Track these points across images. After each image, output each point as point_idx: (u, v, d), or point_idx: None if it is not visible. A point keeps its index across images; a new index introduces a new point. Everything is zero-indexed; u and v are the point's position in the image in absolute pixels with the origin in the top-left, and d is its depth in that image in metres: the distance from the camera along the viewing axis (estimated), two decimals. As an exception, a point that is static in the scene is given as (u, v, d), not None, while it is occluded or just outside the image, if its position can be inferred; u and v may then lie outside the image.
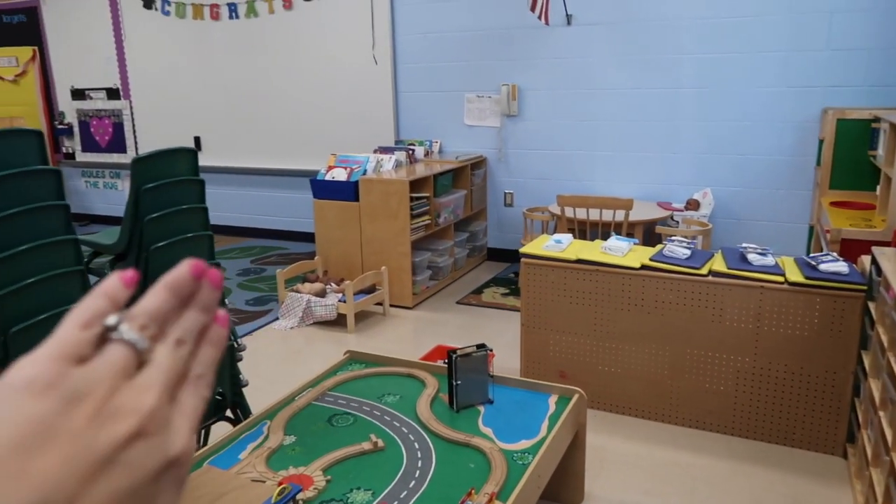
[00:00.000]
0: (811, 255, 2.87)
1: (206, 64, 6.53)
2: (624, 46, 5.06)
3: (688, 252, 2.99)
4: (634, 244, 3.21)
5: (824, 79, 4.60)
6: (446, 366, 2.53)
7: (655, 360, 3.07)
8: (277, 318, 4.47)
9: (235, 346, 2.52)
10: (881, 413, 2.16)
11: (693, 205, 4.90)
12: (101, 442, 0.30)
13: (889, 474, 1.97)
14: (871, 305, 2.55)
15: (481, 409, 2.35)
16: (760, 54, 4.71)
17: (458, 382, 2.31)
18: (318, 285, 4.48)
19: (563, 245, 3.22)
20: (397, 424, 2.24)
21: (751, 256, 2.89)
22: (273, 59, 6.25)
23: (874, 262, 2.53)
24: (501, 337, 4.15)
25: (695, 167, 5.06)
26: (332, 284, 4.58)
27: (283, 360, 3.89)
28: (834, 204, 4.01)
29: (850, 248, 3.35)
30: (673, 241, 3.09)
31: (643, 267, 3.00)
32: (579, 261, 3.12)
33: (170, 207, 2.15)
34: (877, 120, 4.02)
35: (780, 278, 2.77)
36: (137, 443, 0.31)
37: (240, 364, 2.59)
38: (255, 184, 6.69)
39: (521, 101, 5.47)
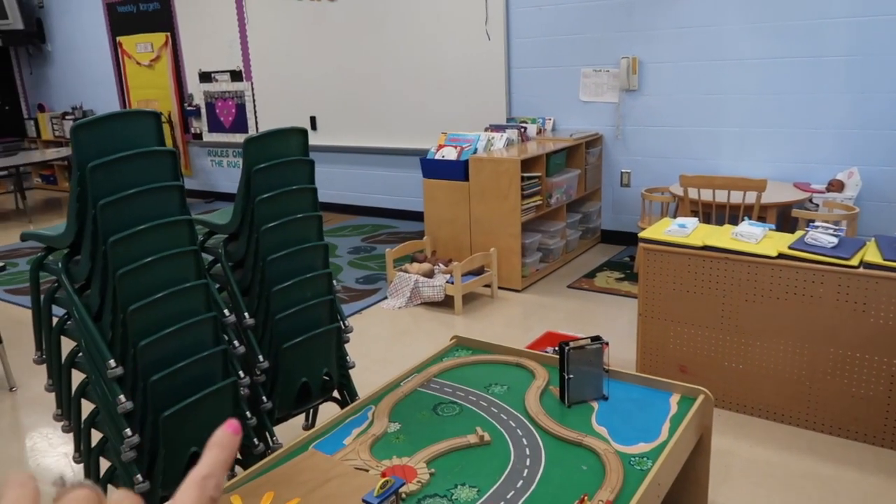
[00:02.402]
0: None
1: (321, 44, 6.63)
2: (758, 12, 4.62)
3: (835, 240, 2.66)
4: (770, 230, 2.91)
5: None
6: (557, 356, 2.39)
7: (792, 359, 2.78)
8: (386, 298, 4.48)
9: (342, 327, 2.50)
10: None
11: (836, 186, 4.42)
12: None
13: None
14: None
15: (595, 405, 2.19)
16: (925, 15, 4.14)
17: (571, 376, 2.16)
18: (426, 265, 4.44)
19: (687, 230, 2.96)
20: (504, 417, 2.13)
21: (912, 246, 2.53)
22: (385, 37, 6.24)
23: None
24: (615, 325, 3.94)
25: (839, 144, 4.56)
26: (441, 265, 4.53)
27: (391, 340, 3.88)
28: None
29: None
30: (817, 227, 2.77)
31: (780, 256, 2.70)
32: (706, 247, 2.87)
33: (280, 188, 2.13)
34: None
35: (950, 272, 2.41)
36: None
37: (347, 346, 2.57)
38: (367, 162, 6.76)
39: (642, 74, 5.14)
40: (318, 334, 2.36)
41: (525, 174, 4.44)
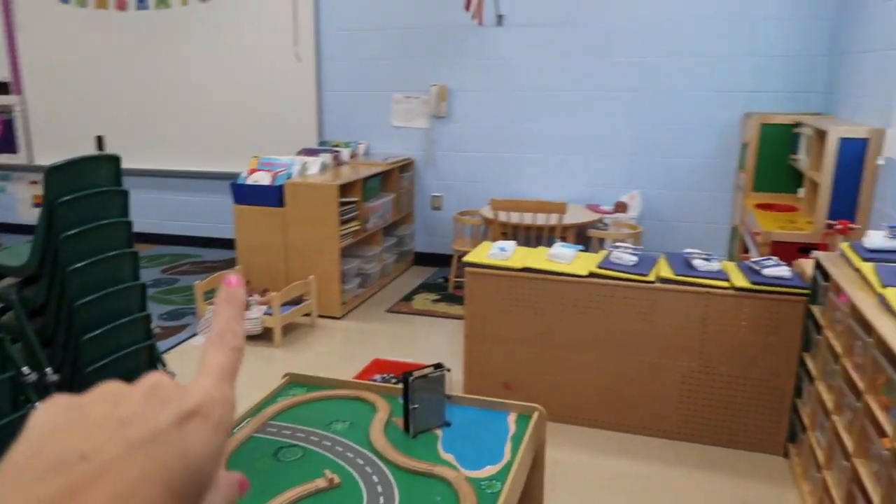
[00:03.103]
0: (754, 259, 2.91)
1: (111, 58, 6.04)
2: (554, 48, 5.05)
3: (635, 258, 2.96)
4: (579, 251, 3.17)
5: (746, 84, 4.74)
6: (396, 386, 2.38)
7: (602, 368, 3.04)
8: (196, 334, 4.16)
9: (162, 370, 2.26)
10: (835, 418, 2.19)
11: (622, 207, 4.94)
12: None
13: (851, 479, 1.98)
14: (815, 309, 2.60)
15: (439, 433, 2.21)
16: (688, 58, 4.80)
17: (416, 406, 2.16)
18: (241, 296, 4.19)
19: (507, 253, 3.13)
20: (351, 455, 2.07)
21: (696, 262, 2.90)
22: (186, 53, 5.86)
23: (818, 266, 2.58)
24: (437, 347, 4.03)
25: (623, 169, 5.12)
26: (256, 296, 4.31)
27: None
28: (758, 206, 4.13)
29: (779, 250, 3.44)
30: (618, 247, 3.06)
31: (591, 274, 2.95)
32: (525, 269, 3.04)
33: (89, 222, 1.88)
34: (798, 125, 4.17)
35: (726, 284, 2.79)
36: (150, 401, 0.34)
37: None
38: (164, 187, 6.25)
39: (451, 101, 5.36)
40: (136, 384, 2.12)
41: (342, 199, 4.40)
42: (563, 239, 4.41)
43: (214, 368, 0.38)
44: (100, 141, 6.24)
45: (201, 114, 5.94)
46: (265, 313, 4.07)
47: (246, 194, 4.44)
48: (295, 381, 2.58)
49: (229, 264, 5.55)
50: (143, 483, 0.31)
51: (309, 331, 4.27)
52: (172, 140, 6.07)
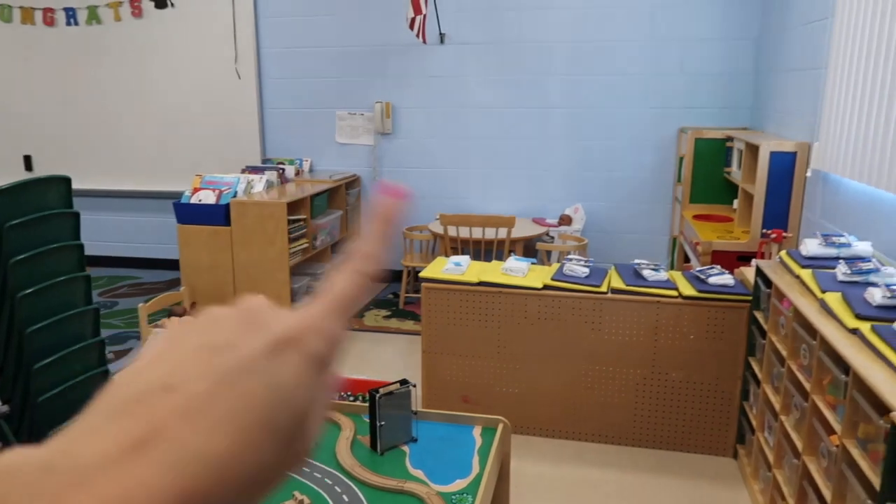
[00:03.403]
0: (699, 268, 3.04)
1: (40, 75, 5.80)
2: (496, 66, 5.15)
3: (587, 270, 3.04)
4: (532, 264, 3.23)
5: (679, 100, 4.95)
6: (360, 404, 2.37)
7: (558, 379, 3.09)
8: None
9: None
10: (783, 418, 2.30)
11: (566, 220, 5.06)
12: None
13: (802, 476, 2.09)
14: (758, 315, 2.72)
15: (406, 449, 2.21)
16: (623, 77, 4.98)
17: (383, 423, 2.15)
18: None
19: (462, 268, 3.16)
20: (318, 475, 2.04)
21: (645, 272, 3.00)
22: (122, 70, 5.68)
23: (759, 274, 2.71)
24: (392, 363, 4.02)
25: (566, 183, 5.24)
26: (204, 317, 4.20)
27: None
28: (696, 217, 4.30)
29: (718, 259, 3.60)
30: (571, 259, 3.14)
31: (545, 287, 3.01)
32: (481, 283, 3.08)
33: (39, 246, 1.81)
34: (730, 139, 4.38)
35: (674, 292, 2.90)
36: (245, 326, 0.31)
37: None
38: (98, 207, 6.02)
39: (396, 118, 5.38)
40: (90, 413, 2.04)
41: (291, 217, 4.35)
42: (512, 252, 4.48)
43: (331, 297, 0.34)
44: (27, 161, 5.98)
45: (139, 132, 5.77)
46: (213, 335, 3.97)
47: (190, 213, 4.34)
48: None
49: (172, 285, 5.38)
50: (229, 418, 0.28)
51: (259, 352, 4.18)
52: (108, 159, 5.87)
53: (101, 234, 6.06)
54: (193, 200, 4.38)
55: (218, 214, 4.30)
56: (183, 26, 5.53)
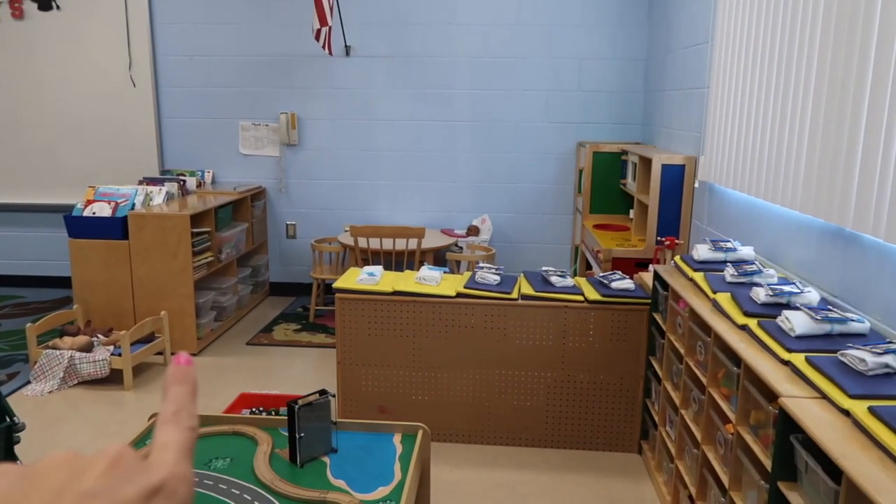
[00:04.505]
0: (601, 274, 3.20)
1: None
2: (402, 79, 5.21)
3: (497, 278, 3.13)
4: (445, 272, 3.29)
5: (577, 116, 5.20)
6: (276, 417, 2.34)
7: (472, 385, 3.16)
8: (29, 383, 3.76)
9: (12, 423, 2.05)
10: (683, 412, 2.46)
11: (474, 231, 5.18)
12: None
13: (702, 465, 2.24)
14: (657, 316, 2.91)
15: (326, 459, 2.20)
16: (525, 92, 5.17)
17: (302, 435, 2.14)
18: (81, 338, 3.86)
19: (376, 278, 3.17)
20: (237, 492, 2.00)
21: (553, 279, 3.13)
22: (4, 75, 5.31)
23: (657, 278, 2.90)
24: (304, 376, 3.96)
25: (472, 195, 5.37)
26: (100, 336, 3.99)
27: (51, 433, 3.27)
28: (596, 227, 4.52)
29: (618, 265, 3.81)
30: (482, 267, 3.23)
31: (459, 294, 3.08)
32: (396, 292, 3.11)
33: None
34: (625, 153, 4.64)
35: (580, 297, 3.04)
36: (114, 474, 0.34)
37: (17, 447, 2.11)
38: (-25, 222, 5.59)
39: (301, 130, 5.33)
40: (-17, 440, 1.90)
41: (194, 230, 4.20)
42: (423, 263, 4.53)
43: (173, 445, 0.37)
44: None
45: (23, 142, 5.40)
46: (113, 354, 3.77)
47: (83, 227, 4.11)
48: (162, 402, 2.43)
49: (62, 303, 5.06)
50: None
51: (162, 370, 4.01)
52: (-15, 170, 5.45)
53: (-23, 250, 5.62)
54: (87, 213, 4.15)
55: (115, 228, 4.09)
56: (71, 30, 5.24)
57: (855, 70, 2.08)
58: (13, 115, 5.37)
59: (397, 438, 2.34)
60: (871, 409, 1.48)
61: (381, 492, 2.02)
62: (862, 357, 1.66)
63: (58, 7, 5.22)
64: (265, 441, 2.29)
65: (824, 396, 1.61)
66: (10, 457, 2.07)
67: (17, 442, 2.11)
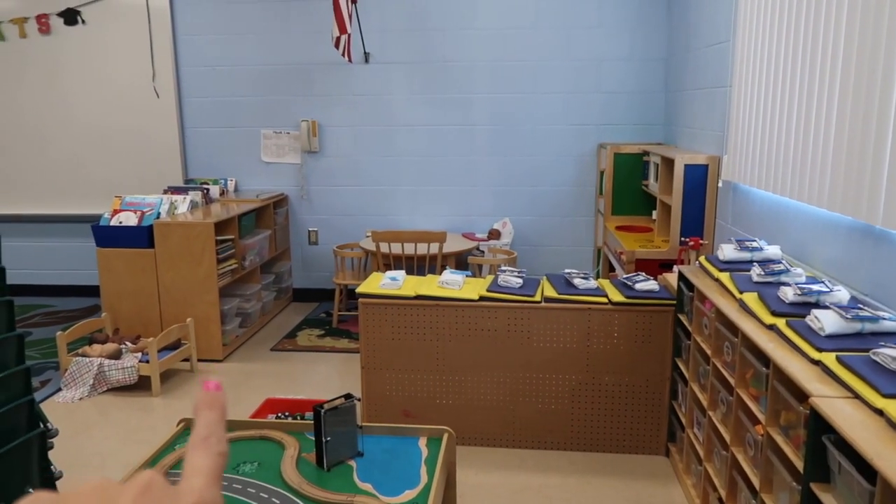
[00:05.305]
0: (625, 276, 3.18)
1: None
2: (421, 85, 5.23)
3: (520, 281, 3.13)
4: (468, 276, 3.29)
5: (597, 118, 5.17)
6: (302, 422, 2.36)
7: (496, 388, 3.16)
8: (60, 390, 3.82)
9: (46, 429, 2.09)
10: (710, 413, 2.43)
11: (495, 234, 5.18)
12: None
13: (731, 467, 2.22)
14: (682, 317, 2.88)
15: (353, 463, 2.20)
16: (544, 95, 5.17)
17: (328, 439, 2.15)
18: (110, 346, 3.92)
19: (399, 282, 3.19)
20: (265, 496, 2.01)
21: (576, 281, 3.11)
22: (32, 89, 5.43)
23: (682, 278, 2.87)
24: (328, 381, 3.98)
25: (493, 199, 5.37)
26: (128, 343, 4.05)
27: (85, 439, 3.32)
28: (618, 228, 4.49)
29: (641, 267, 3.78)
30: (504, 270, 3.22)
31: (482, 298, 3.07)
32: (418, 297, 3.11)
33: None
34: (646, 154, 4.61)
35: (604, 299, 3.02)
36: (145, 502, 0.34)
37: (50, 453, 2.15)
38: (7, 232, 5.70)
39: (322, 137, 5.37)
40: (17, 446, 1.94)
41: (218, 237, 4.25)
42: (445, 267, 4.54)
43: (203, 471, 0.37)
44: (-76, 185, 5.59)
45: (50, 154, 5.51)
46: (141, 361, 3.82)
47: (110, 236, 4.18)
48: (192, 427, 2.46)
49: (91, 311, 5.15)
50: None
51: (189, 376, 4.05)
52: (16, 182, 5.57)
53: (8, 261, 5.73)
54: (113, 223, 4.22)
55: (141, 236, 4.16)
56: (96, 43, 5.34)
57: (882, 61, 2.05)
58: (40, 128, 5.48)
59: (423, 442, 2.34)
60: (906, 408, 1.45)
61: (408, 495, 2.02)
62: (895, 356, 1.63)
63: (83, 21, 5.32)
64: (292, 445, 2.30)
65: (857, 396, 1.58)
66: (45, 462, 2.10)
67: (51, 448, 2.15)
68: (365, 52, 5.19)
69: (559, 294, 3.05)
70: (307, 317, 5.20)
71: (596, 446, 3.14)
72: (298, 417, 3.34)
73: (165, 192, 4.91)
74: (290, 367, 4.22)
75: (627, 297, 3.00)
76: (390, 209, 5.44)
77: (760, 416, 1.98)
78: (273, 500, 1.99)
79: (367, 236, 5.09)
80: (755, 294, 2.32)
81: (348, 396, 2.25)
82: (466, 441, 3.21)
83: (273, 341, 4.65)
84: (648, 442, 3.12)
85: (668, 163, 4.00)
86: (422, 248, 4.50)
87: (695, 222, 3.83)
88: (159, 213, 4.29)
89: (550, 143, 5.25)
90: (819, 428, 1.56)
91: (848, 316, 1.91)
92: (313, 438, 2.25)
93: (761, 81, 3.05)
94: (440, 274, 3.32)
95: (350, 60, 4.91)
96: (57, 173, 5.55)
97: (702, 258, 2.85)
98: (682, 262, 3.60)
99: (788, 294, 2.19)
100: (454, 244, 4.81)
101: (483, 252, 4.98)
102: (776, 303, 2.20)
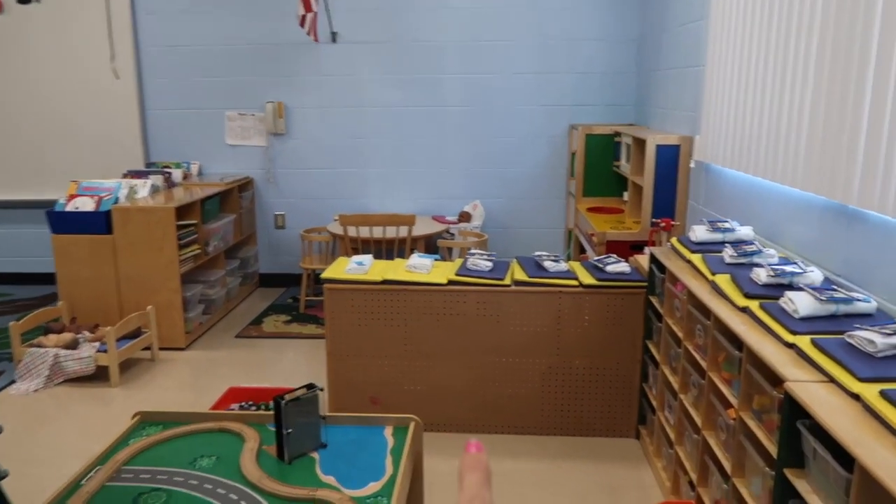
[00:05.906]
0: (596, 258, 3.12)
1: None
2: (390, 65, 5.11)
3: (490, 264, 3.06)
4: (436, 260, 3.21)
5: (569, 98, 5.10)
6: (263, 413, 2.26)
7: (466, 373, 3.09)
8: (14, 382, 3.67)
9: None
10: (682, 397, 2.39)
11: (465, 217, 5.10)
12: None
13: (703, 451, 2.18)
14: (653, 299, 2.83)
15: (315, 455, 2.12)
16: (515, 75, 5.07)
17: (290, 430, 2.06)
18: (66, 335, 3.77)
19: (365, 267, 3.09)
20: (223, 492, 1.92)
21: (546, 264, 3.05)
22: (-22, 67, 5.19)
23: (653, 260, 2.82)
24: (295, 368, 3.89)
25: (464, 181, 5.28)
26: (85, 333, 3.90)
27: (38, 433, 3.19)
28: (590, 210, 4.44)
29: (613, 248, 3.73)
30: (474, 254, 3.15)
31: (450, 282, 3.00)
32: (385, 281, 3.03)
33: None
34: (618, 135, 4.56)
35: (575, 282, 2.96)
36: None
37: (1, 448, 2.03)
38: (-42, 219, 5.48)
39: (289, 119, 5.22)
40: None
41: (180, 222, 4.11)
42: (414, 251, 4.45)
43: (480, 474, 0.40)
44: None
45: (4, 136, 5.28)
46: (99, 350, 3.68)
47: (66, 222, 4.01)
48: (148, 420, 2.36)
49: (48, 300, 4.97)
50: None
51: (150, 365, 3.92)
52: (-34, 165, 5.34)
53: (-39, 248, 5.51)
54: (69, 208, 4.05)
55: (98, 222, 4.00)
56: (52, 23, 5.11)
57: (858, 38, 2.00)
58: (-7, 108, 5.25)
59: (388, 431, 2.27)
60: (883, 393, 1.41)
61: (373, 487, 1.94)
62: (870, 338, 1.59)
63: (38, 0, 5.09)
64: (252, 438, 2.21)
65: (832, 380, 1.54)
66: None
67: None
68: (332, 32, 5.04)
69: (529, 277, 2.98)
70: (274, 302, 5.08)
71: (567, 430, 3.10)
72: (263, 407, 3.25)
73: (125, 176, 4.73)
74: (256, 354, 4.11)
75: (598, 280, 2.95)
76: (359, 192, 5.33)
77: (733, 400, 1.94)
78: (231, 495, 1.90)
79: (335, 220, 4.98)
80: (727, 276, 2.27)
81: (310, 386, 2.16)
82: (436, 427, 3.14)
83: (238, 328, 4.54)
84: (619, 425, 3.09)
85: (640, 143, 3.95)
86: (391, 232, 4.41)
87: (666, 203, 3.79)
88: (118, 198, 4.13)
89: (522, 125, 5.17)
90: (794, 413, 1.52)
91: (822, 298, 1.86)
92: (274, 430, 2.16)
93: (735, 60, 2.99)
94: (409, 258, 3.23)
95: (316, 40, 4.77)
96: (12, 157, 5.33)
97: (673, 239, 2.80)
98: (653, 244, 3.56)
99: (761, 275, 2.15)
100: (424, 227, 4.72)
101: (453, 235, 4.89)
102: (749, 284, 2.16)
